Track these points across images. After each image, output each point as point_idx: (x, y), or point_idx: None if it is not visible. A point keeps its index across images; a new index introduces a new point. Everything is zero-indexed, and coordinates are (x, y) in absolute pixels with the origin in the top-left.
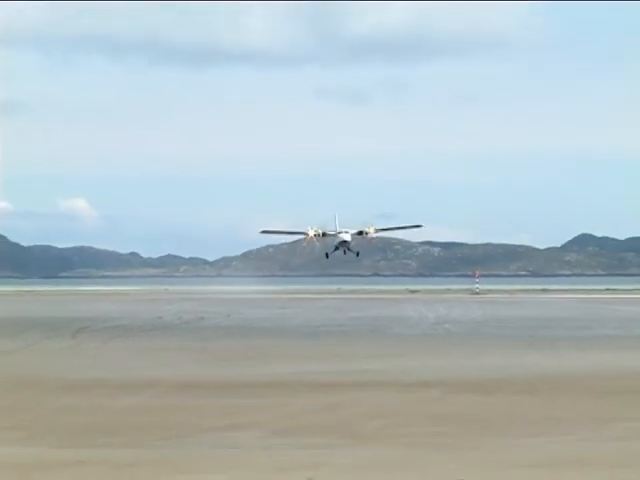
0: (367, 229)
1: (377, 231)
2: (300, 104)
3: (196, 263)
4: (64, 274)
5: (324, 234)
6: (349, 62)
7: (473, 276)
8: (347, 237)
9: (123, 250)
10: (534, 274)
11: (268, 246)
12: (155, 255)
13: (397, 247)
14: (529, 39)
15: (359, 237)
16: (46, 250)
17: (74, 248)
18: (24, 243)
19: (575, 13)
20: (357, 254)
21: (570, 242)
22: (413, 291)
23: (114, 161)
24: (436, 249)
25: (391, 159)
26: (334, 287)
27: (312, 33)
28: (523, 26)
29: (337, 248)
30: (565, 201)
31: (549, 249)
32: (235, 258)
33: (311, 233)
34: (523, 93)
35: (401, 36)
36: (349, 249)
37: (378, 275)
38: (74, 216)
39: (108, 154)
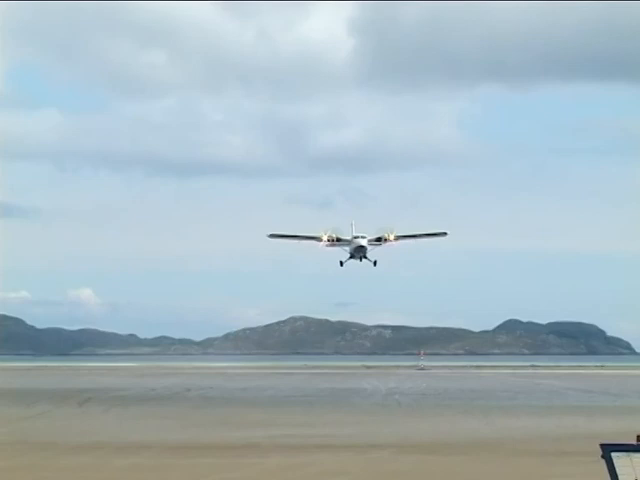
0: (387, 235)
1: (398, 238)
2: (272, 209)
3: (185, 343)
4: (73, 352)
5: (338, 239)
6: (314, 174)
7: (419, 355)
8: (364, 242)
9: (123, 332)
10: (470, 353)
11: (245, 328)
12: (150, 336)
13: (354, 330)
14: (461, 154)
15: (377, 244)
16: (57, 332)
17: (81, 330)
18: (39, 326)
19: (499, 132)
20: (374, 263)
21: (500, 326)
22: (368, 367)
23: (115, 256)
24: (387, 331)
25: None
26: (301, 363)
27: (282, 150)
28: (457, 143)
29: (352, 256)
30: (496, 291)
31: (482, 332)
32: (217, 339)
33: (324, 238)
34: (456, 198)
35: (357, 152)
36: (365, 257)
37: (338, 354)
38: (81, 303)
39: (110, 251)
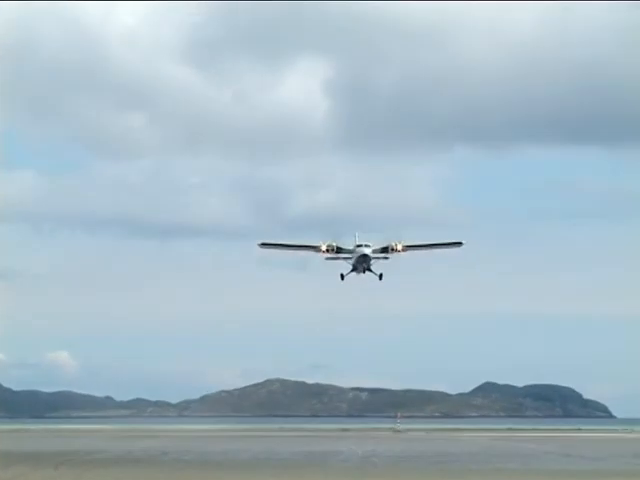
0: (394, 244)
1: (407, 248)
2: (247, 270)
3: (161, 405)
4: (49, 415)
5: (339, 249)
6: (290, 236)
7: (395, 417)
8: (367, 251)
9: (99, 394)
10: (446, 415)
11: (222, 391)
12: (126, 398)
13: (331, 392)
14: (439, 217)
15: (383, 254)
16: (33, 394)
17: (58, 393)
18: (15, 388)
19: (477, 195)
20: (380, 276)
21: (476, 389)
22: (344, 430)
23: (91, 318)
24: (364, 394)
25: (323, 317)
26: (277, 426)
27: (259, 212)
28: (434, 206)
29: (355, 268)
30: (472, 354)
31: (459, 394)
32: (194, 401)
33: (323, 247)
34: (433, 261)
35: (333, 215)
36: (369, 269)
37: (314, 416)
38: (57, 365)
39: (86, 313)
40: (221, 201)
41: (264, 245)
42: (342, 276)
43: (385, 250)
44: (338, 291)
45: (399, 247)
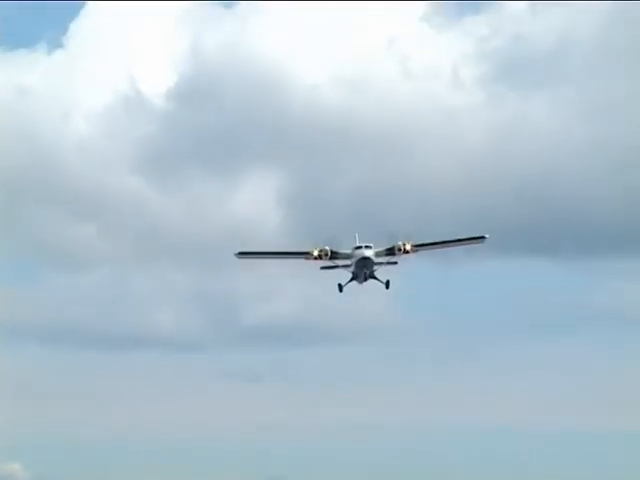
0: (401, 244)
1: (416, 248)
2: (201, 382)
3: None
4: None
5: (334, 253)
6: (244, 348)
7: None
8: (369, 253)
9: None
10: None
11: None
12: None
13: None
14: (394, 328)
15: (389, 257)
16: None
17: None
18: None
19: (430, 305)
20: (387, 284)
21: None
22: None
23: (45, 430)
24: None
25: (282, 428)
26: None
27: (213, 323)
28: (389, 315)
29: (355, 276)
30: (431, 465)
31: None
32: None
33: (315, 253)
34: (388, 372)
35: (289, 325)
36: (372, 275)
37: None
38: (9, 477)
39: (39, 424)
40: (174, 312)
41: (242, 254)
42: (340, 287)
43: (391, 251)
44: (295, 401)
45: (407, 247)
